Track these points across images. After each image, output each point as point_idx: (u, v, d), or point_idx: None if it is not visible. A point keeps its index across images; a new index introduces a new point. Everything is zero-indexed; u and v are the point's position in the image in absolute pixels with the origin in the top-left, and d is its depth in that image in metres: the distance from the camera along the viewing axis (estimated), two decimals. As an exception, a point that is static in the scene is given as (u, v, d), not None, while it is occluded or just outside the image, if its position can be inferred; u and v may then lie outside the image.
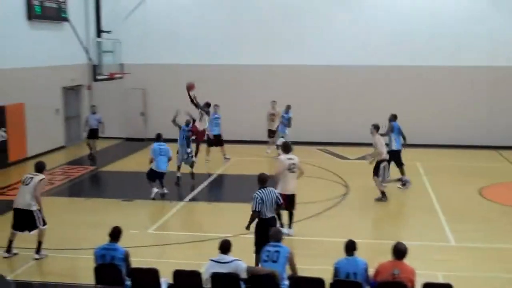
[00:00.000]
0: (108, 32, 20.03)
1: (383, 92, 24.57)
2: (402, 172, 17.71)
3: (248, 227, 11.00)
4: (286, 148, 13.57)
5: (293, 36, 24.73)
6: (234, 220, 13.91)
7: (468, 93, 24.20)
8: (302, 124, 24.02)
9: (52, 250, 12.24)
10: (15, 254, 12.09)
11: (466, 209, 15.70)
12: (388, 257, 8.60)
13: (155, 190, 16.52)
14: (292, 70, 24.93)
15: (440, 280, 10.40)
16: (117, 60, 20.18)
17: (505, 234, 13.81)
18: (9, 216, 15.05)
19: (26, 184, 11.99)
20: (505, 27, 23.84)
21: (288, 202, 13.00)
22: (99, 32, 19.92)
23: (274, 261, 8.88)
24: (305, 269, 9.55)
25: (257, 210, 10.79)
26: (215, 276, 8.62)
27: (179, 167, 18.28)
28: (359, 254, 8.82)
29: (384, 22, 24.26)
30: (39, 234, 11.99)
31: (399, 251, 8.45)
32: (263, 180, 11.06)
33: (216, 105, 21.44)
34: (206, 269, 8.81)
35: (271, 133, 22.72)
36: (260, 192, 10.86)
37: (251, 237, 11.71)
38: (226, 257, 8.81)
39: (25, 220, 11.95)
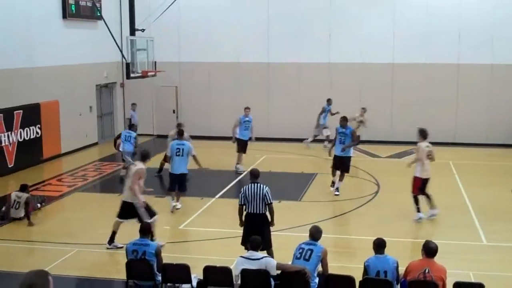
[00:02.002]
0: (141, 30, 20.23)
1: (414, 90, 24.34)
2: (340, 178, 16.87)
3: (240, 224, 11.00)
4: (425, 134, 14.33)
5: (323, 34, 24.65)
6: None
7: (501, 92, 23.85)
8: (333, 122, 23.93)
9: (84, 245, 12.44)
10: (120, 247, 11.90)
11: (498, 209, 15.50)
12: (418, 255, 8.56)
13: (172, 203, 15.38)
14: (322, 68, 24.82)
15: (472, 279, 10.31)
16: (150, 58, 20.35)
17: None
18: (44, 211, 15.41)
19: (128, 177, 12.00)
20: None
21: (422, 184, 14.15)
22: (132, 30, 20.09)
23: (307, 260, 8.84)
24: (335, 267, 9.55)
25: (239, 203, 10.89)
26: (245, 273, 8.66)
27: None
28: (390, 252, 8.79)
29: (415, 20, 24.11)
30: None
31: (430, 250, 8.38)
32: (253, 175, 11.07)
33: (246, 108, 19.67)
34: (236, 266, 8.86)
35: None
36: (245, 187, 10.88)
37: (282, 234, 11.76)
38: (256, 254, 8.84)
39: (129, 211, 12.03)
